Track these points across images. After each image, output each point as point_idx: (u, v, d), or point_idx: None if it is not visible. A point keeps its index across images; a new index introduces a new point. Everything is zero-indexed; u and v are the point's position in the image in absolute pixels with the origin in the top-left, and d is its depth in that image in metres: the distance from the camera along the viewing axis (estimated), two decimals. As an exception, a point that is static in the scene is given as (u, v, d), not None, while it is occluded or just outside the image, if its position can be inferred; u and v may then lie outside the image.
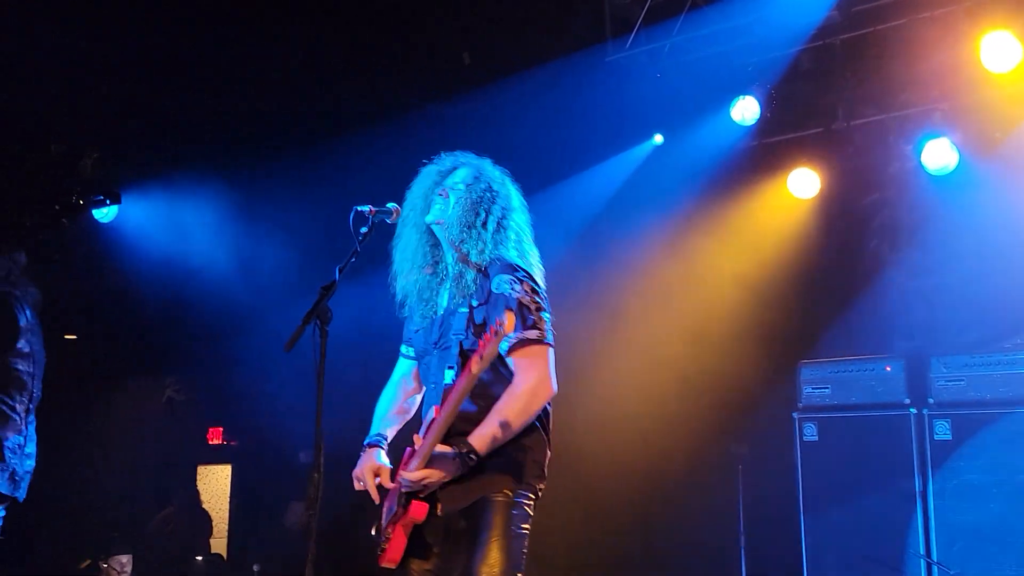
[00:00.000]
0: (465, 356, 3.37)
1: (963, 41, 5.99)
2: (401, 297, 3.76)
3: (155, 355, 10.68)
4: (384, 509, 3.59)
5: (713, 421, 6.72)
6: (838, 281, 7.01)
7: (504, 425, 3.30)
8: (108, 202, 8.03)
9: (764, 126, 7.08)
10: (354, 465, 3.67)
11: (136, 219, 8.63)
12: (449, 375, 3.44)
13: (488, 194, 3.61)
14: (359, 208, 3.55)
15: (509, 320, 3.03)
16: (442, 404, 3.31)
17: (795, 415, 6.18)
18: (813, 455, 6.06)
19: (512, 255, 3.57)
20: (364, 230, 3.52)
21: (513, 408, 3.32)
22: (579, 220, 7.51)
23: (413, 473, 3.28)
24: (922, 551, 5.58)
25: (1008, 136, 6.29)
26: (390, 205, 3.64)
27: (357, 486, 3.61)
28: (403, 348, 3.87)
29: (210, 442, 11.12)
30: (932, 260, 6.67)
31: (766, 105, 6.90)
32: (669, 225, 7.26)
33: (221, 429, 11.07)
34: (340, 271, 3.38)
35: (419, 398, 3.83)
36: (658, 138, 7.55)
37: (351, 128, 8.21)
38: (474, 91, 7.54)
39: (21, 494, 5.00)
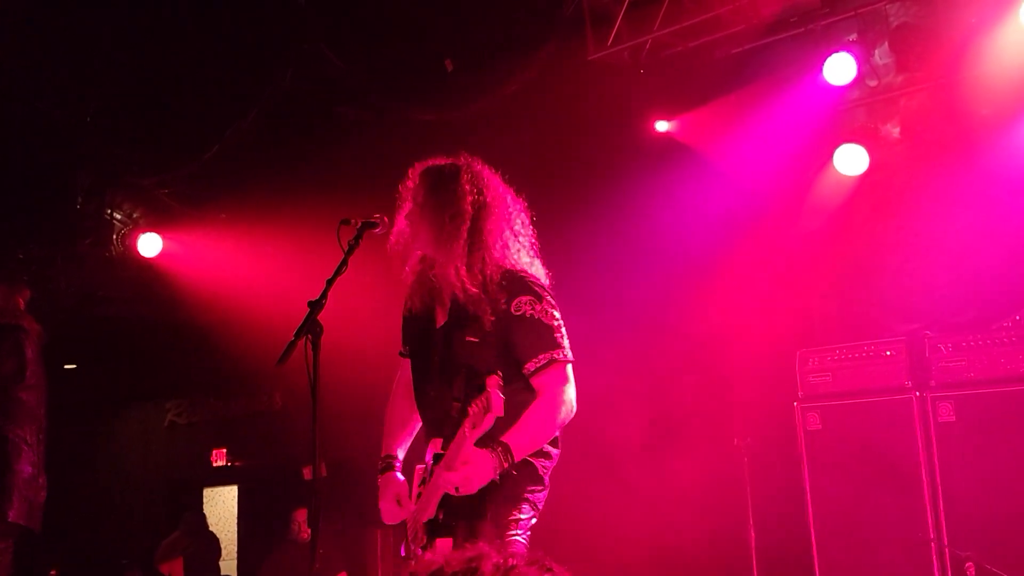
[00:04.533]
0: (473, 386, 3.26)
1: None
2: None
3: (155, 381, 10.67)
4: (409, 529, 3.58)
5: (715, 415, 6.69)
6: (832, 265, 7.00)
7: (536, 434, 3.36)
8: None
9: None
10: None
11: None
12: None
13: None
14: (346, 220, 3.53)
15: (498, 400, 3.05)
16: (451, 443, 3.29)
17: (796, 404, 6.14)
18: (817, 444, 6.01)
19: (523, 264, 3.55)
20: (351, 242, 3.51)
21: (544, 421, 3.38)
22: (571, 220, 7.48)
23: (455, 474, 3.22)
24: (932, 535, 5.54)
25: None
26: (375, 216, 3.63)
27: (386, 519, 3.60)
28: (402, 349, 3.84)
29: (214, 464, 11.11)
30: (927, 240, 6.65)
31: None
32: (660, 219, 7.23)
33: (225, 450, 11.06)
34: (329, 284, 3.37)
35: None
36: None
37: (341, 140, 8.20)
38: (458, 98, 7.52)
39: (37, 525, 5.03)
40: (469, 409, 3.14)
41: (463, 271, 3.44)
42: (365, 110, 7.98)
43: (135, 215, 8.67)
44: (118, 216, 8.54)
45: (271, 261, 8.25)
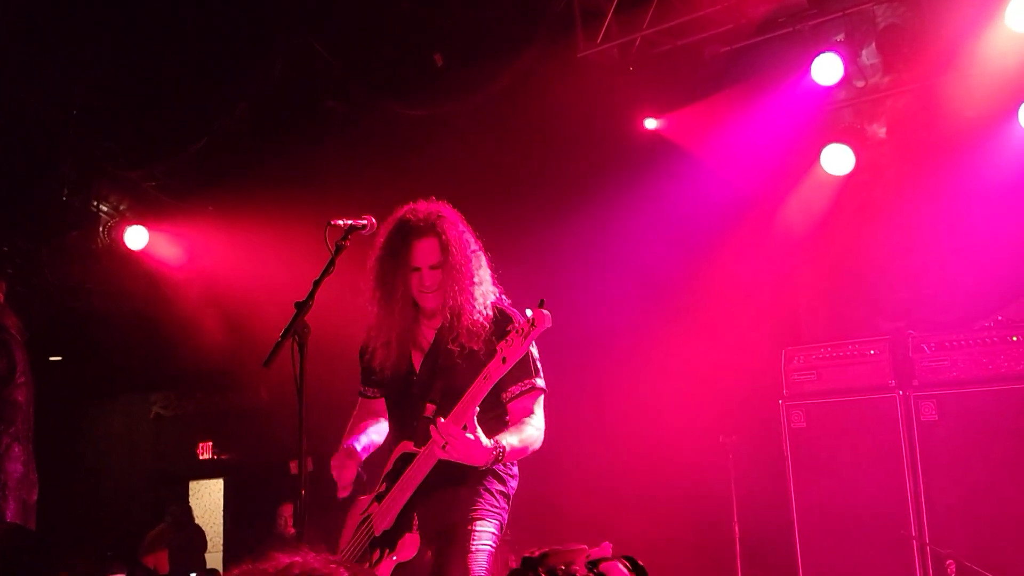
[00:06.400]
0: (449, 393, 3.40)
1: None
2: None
3: (140, 373, 10.64)
4: (347, 543, 3.60)
5: (701, 412, 6.72)
6: (818, 264, 7.03)
7: (522, 443, 3.40)
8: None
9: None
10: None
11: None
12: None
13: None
14: (333, 221, 3.54)
15: (529, 318, 3.11)
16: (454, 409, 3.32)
17: (781, 402, 6.17)
18: (802, 441, 6.05)
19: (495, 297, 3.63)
20: (339, 243, 3.51)
21: (530, 435, 3.45)
22: (558, 216, 7.49)
23: (456, 428, 3.18)
24: (914, 533, 5.59)
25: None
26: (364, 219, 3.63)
27: (339, 479, 3.60)
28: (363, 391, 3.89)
29: (200, 456, 11.09)
30: (912, 239, 6.69)
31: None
32: (647, 216, 7.25)
33: (211, 443, 11.04)
34: (316, 285, 3.37)
35: (386, 425, 3.85)
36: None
37: (329, 134, 8.19)
38: (448, 94, 7.52)
39: (32, 524, 5.02)
40: (490, 363, 3.21)
41: (465, 307, 3.54)
42: (353, 104, 7.96)
43: (122, 207, 8.64)
44: (104, 208, 8.51)
45: (258, 254, 8.23)
